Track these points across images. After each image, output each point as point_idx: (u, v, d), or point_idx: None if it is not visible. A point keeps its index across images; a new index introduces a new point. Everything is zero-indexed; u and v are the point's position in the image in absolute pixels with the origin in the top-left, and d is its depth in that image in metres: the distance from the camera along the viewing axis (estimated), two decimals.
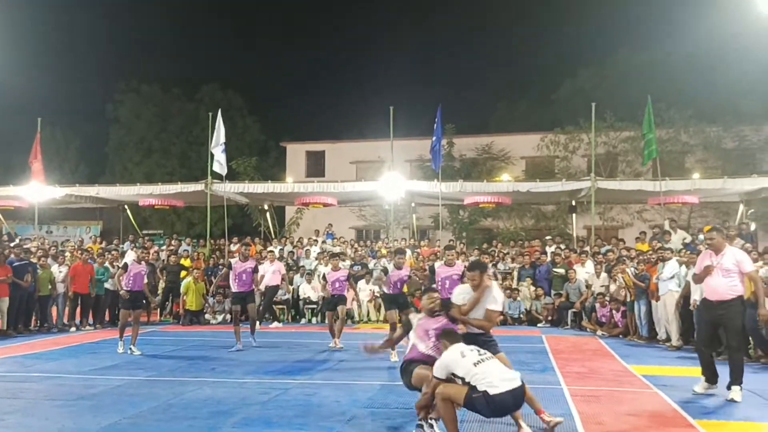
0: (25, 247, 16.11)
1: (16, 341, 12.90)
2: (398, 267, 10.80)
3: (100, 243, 21.66)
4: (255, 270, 12.26)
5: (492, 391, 5.09)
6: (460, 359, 5.39)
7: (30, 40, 50.76)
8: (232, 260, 12.45)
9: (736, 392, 7.32)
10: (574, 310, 15.52)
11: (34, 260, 14.71)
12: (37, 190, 20.88)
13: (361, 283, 16.49)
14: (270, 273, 16.10)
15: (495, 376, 5.20)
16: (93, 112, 48.86)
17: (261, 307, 15.80)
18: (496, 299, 6.50)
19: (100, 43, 61.82)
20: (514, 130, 34.23)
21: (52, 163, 25.49)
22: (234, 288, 12.06)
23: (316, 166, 35.48)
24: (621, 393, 7.88)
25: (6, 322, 13.71)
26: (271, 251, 17.72)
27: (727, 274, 7.45)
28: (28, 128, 24.93)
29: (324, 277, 12.89)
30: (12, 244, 16.84)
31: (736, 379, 7.38)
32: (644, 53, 36.67)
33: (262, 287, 15.11)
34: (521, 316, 16.18)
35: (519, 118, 39.09)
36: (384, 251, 18.14)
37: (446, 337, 5.83)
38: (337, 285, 11.85)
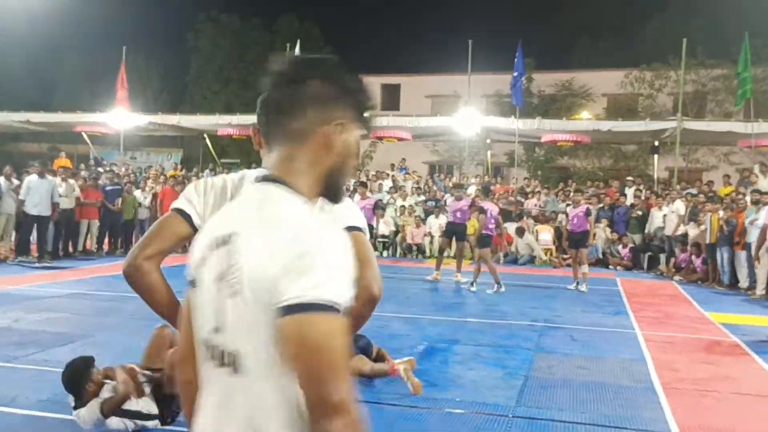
0: (116, 171, 16.85)
1: (105, 261, 13.63)
2: (458, 199, 12.03)
3: (181, 170, 22.38)
4: None
5: None
6: None
7: None
8: None
9: None
10: (650, 253, 15.16)
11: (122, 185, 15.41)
12: (122, 117, 21.59)
13: (432, 219, 16.56)
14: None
15: None
16: (175, 42, 49.52)
17: None
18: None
19: None
20: (596, 66, 32.87)
21: (136, 91, 26.11)
22: None
23: (391, 100, 35.18)
24: (697, 340, 7.73)
25: (94, 244, 14.54)
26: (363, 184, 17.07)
27: None
28: (113, 56, 25.65)
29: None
30: (101, 170, 17.60)
31: None
32: None
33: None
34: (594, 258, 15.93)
35: (601, 54, 37.38)
36: None
37: None
38: (458, 215, 12.08)
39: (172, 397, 4.26)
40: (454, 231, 11.99)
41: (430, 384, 5.42)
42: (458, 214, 11.80)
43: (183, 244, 1.99)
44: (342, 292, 1.19)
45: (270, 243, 1.21)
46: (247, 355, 1.27)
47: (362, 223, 2.09)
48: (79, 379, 4.25)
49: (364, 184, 14.30)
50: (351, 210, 2.13)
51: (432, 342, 7.10)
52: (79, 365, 4.32)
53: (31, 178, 12.54)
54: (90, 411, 4.16)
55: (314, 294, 1.16)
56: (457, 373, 5.92)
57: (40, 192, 12.35)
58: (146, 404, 4.34)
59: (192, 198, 1.99)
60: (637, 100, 29.58)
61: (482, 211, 11.40)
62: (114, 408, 4.21)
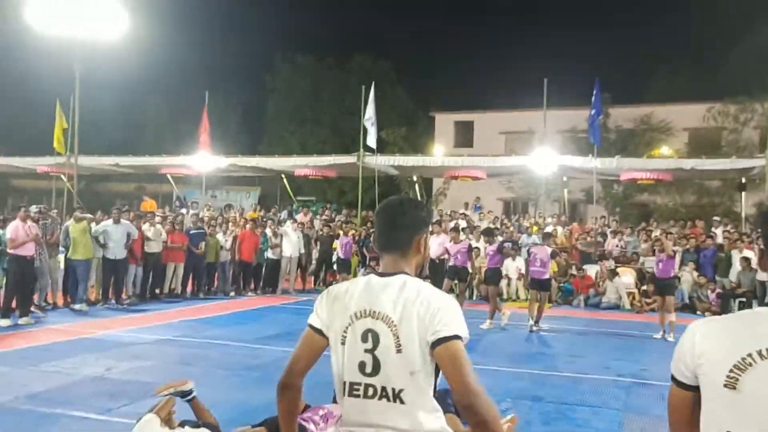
0: (200, 216, 17.41)
1: (189, 304, 14.03)
2: (490, 243, 13.32)
3: (260, 210, 22.93)
4: None
5: None
6: None
7: (198, 19, 54.05)
8: None
9: None
10: (742, 299, 14.47)
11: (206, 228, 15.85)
12: (204, 160, 22.42)
13: (509, 261, 16.23)
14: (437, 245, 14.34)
15: None
16: (252, 84, 51.25)
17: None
18: None
19: (261, 17, 64.51)
20: (676, 100, 32.00)
21: (216, 133, 27.13)
22: None
23: (464, 136, 35.19)
24: None
25: (179, 285, 14.98)
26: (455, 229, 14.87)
27: None
28: (195, 99, 26.76)
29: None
30: (185, 210, 18.21)
31: None
32: None
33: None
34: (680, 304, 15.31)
35: (680, 87, 36.40)
36: (535, 228, 17.78)
37: None
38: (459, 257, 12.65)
39: None
40: (490, 275, 12.74)
41: None
42: (490, 256, 12.82)
43: (322, 353, 2.38)
44: None
45: None
46: None
47: (465, 329, 2.13)
48: None
49: (456, 229, 13.96)
50: (452, 310, 2.13)
51: (515, 398, 6.93)
52: None
53: (107, 223, 13.10)
54: None
55: None
56: None
57: (115, 237, 12.87)
58: None
59: (320, 311, 2.36)
60: (721, 134, 28.58)
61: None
62: None
